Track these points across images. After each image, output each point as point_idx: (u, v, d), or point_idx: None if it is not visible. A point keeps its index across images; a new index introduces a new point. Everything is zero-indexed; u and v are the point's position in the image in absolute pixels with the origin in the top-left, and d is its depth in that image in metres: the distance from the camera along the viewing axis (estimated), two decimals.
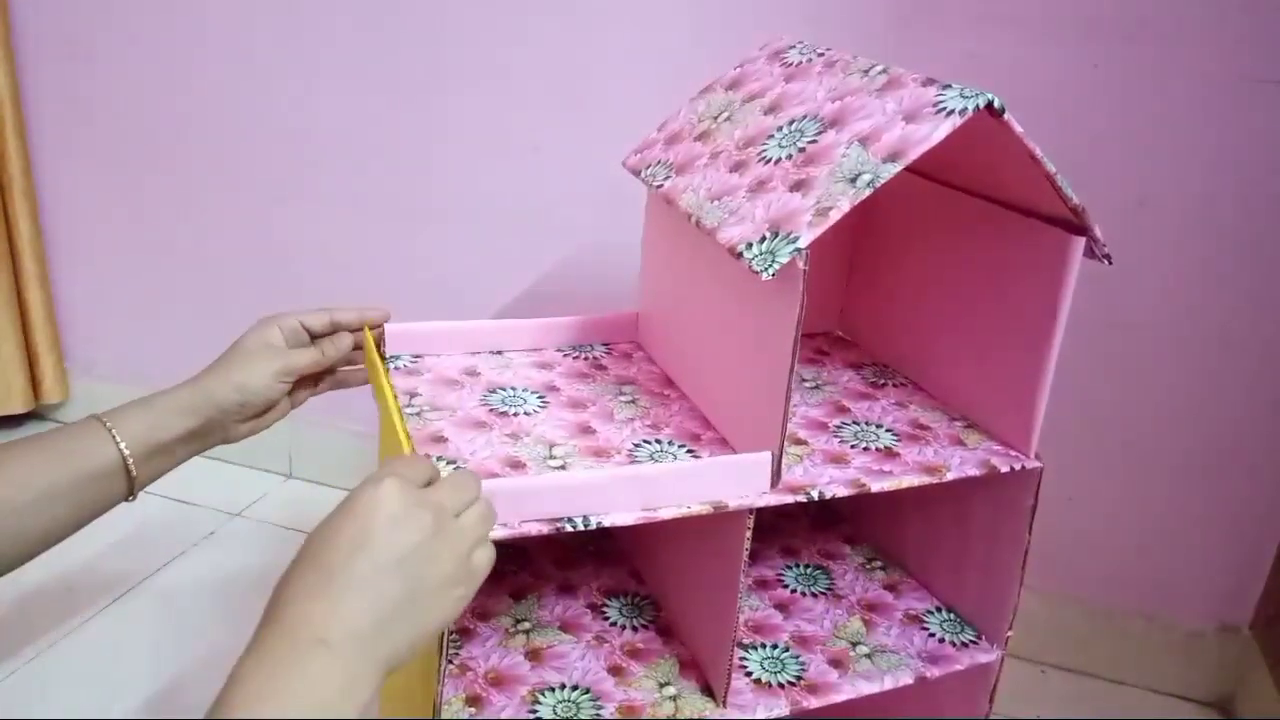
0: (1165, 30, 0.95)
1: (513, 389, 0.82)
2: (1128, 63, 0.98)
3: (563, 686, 0.76)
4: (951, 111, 0.63)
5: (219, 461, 1.50)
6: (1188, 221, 1.03)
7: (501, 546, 0.87)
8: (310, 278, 1.38)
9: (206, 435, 0.77)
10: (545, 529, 0.63)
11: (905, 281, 0.89)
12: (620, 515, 0.65)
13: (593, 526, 0.64)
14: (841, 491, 0.70)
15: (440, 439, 0.73)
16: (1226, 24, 0.94)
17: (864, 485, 0.71)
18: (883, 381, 0.90)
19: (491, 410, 0.79)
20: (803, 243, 0.62)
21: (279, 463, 1.50)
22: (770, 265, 0.62)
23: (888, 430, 0.80)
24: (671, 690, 0.76)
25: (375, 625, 0.50)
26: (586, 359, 0.89)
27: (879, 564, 0.94)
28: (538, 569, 0.90)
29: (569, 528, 0.64)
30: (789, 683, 0.78)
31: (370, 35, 1.24)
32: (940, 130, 0.62)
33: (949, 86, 0.65)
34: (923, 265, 0.87)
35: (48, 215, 1.48)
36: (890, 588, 0.91)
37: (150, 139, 1.39)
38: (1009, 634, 0.82)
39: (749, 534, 0.69)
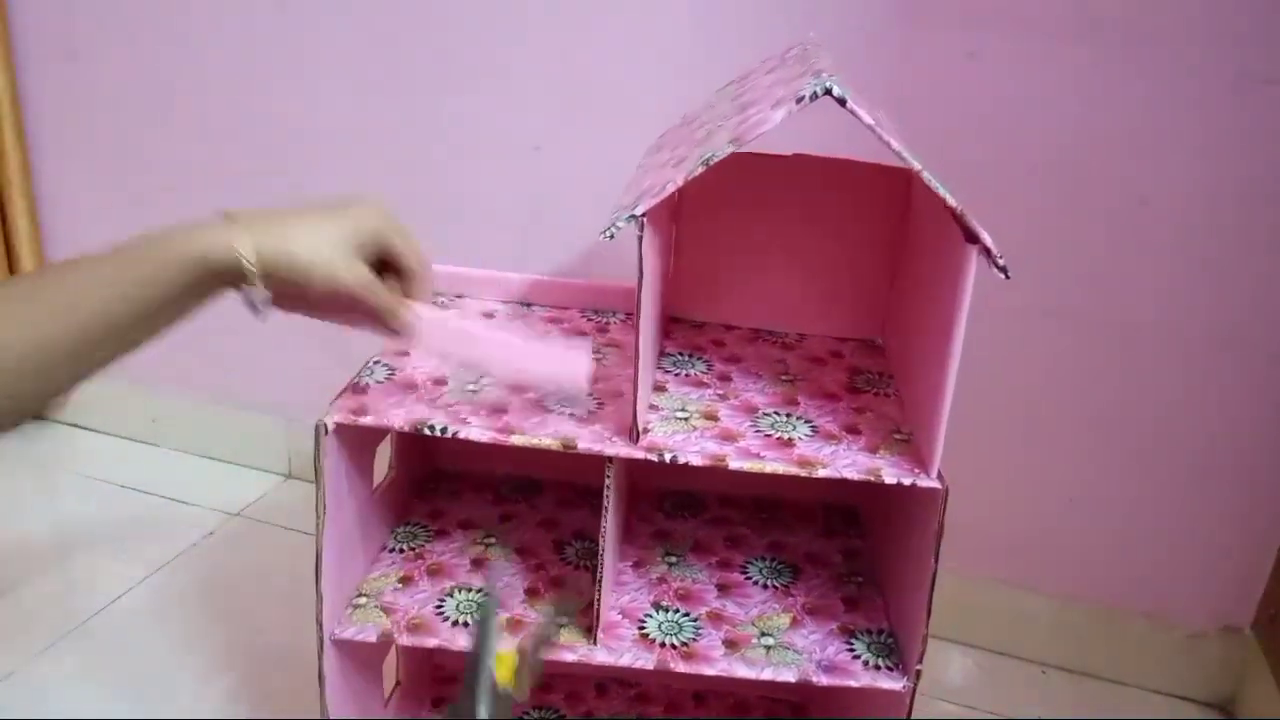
0: (1165, 30, 0.91)
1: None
2: (1127, 63, 0.94)
3: (478, 590, 0.86)
4: (802, 98, 0.64)
5: (219, 462, 1.55)
6: (1188, 221, 1.03)
7: (518, 487, 0.99)
8: None
9: None
10: (408, 429, 0.75)
11: (916, 296, 0.86)
12: (476, 432, 0.74)
13: (449, 436, 0.74)
14: (696, 460, 0.73)
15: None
16: (1226, 24, 0.89)
17: (723, 459, 0.73)
18: (868, 389, 0.87)
19: None
20: (639, 211, 0.67)
21: (279, 463, 1.50)
22: (609, 229, 0.68)
23: (809, 425, 0.80)
24: (563, 621, 0.83)
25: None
26: (598, 323, 0.97)
27: (858, 578, 0.92)
28: (546, 511, 1.00)
29: (427, 432, 0.74)
30: (671, 645, 0.81)
31: (370, 36, 1.25)
32: (777, 115, 0.64)
33: (822, 78, 0.65)
34: (925, 283, 0.84)
35: (46, 214, 1.47)
36: (849, 600, 0.88)
37: (149, 138, 1.39)
38: (918, 667, 0.78)
39: (609, 483, 0.75)
